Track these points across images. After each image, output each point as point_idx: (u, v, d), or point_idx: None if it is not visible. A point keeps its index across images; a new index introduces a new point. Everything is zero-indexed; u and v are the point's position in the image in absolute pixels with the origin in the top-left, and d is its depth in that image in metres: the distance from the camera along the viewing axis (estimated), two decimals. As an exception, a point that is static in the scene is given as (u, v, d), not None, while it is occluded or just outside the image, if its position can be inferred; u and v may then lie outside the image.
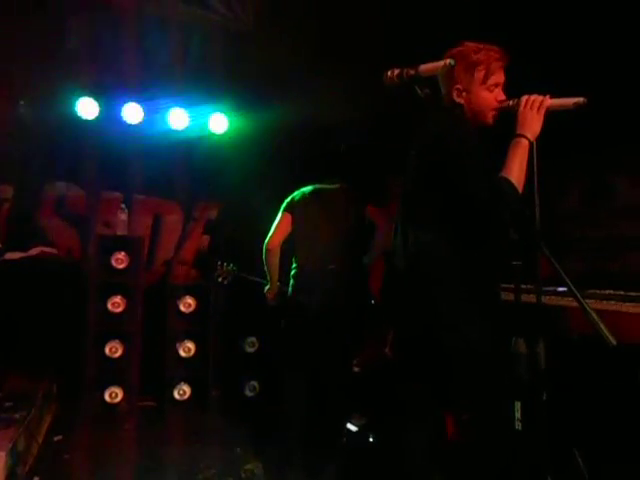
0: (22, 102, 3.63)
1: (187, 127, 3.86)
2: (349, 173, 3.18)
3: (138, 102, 3.67)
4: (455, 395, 1.72)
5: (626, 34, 2.55)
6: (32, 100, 3.62)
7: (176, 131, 3.82)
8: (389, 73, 1.62)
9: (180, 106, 3.81)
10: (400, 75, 1.60)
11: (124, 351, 3.37)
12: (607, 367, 1.74)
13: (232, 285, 3.37)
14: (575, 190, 4.06)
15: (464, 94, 1.72)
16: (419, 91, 1.60)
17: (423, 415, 1.81)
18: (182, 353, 3.59)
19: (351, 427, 3.13)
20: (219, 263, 3.22)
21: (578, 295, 1.24)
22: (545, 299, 1.66)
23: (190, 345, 3.60)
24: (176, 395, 3.55)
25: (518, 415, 1.43)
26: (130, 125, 3.68)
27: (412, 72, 1.58)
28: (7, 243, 3.49)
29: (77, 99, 3.55)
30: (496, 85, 1.72)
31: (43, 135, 3.68)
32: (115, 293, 3.39)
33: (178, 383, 3.56)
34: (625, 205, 3.62)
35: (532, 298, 1.59)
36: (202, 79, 3.66)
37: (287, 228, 2.72)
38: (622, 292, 1.84)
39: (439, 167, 1.64)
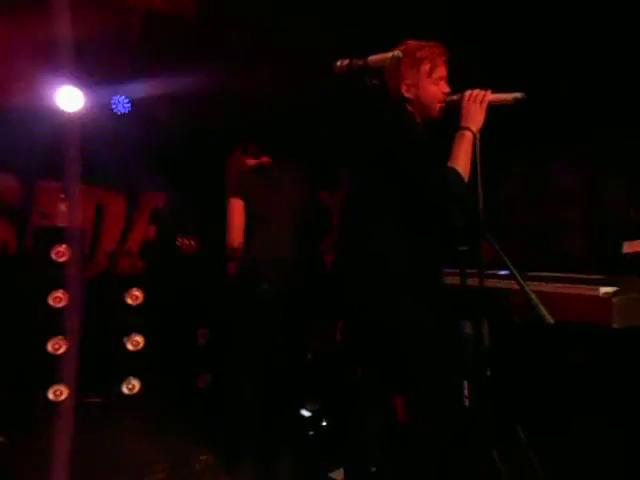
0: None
1: (129, 112, 3.74)
2: (302, 155, 3.19)
3: (77, 87, 3.51)
4: (404, 376, 1.79)
5: (562, 30, 2.68)
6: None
7: (119, 117, 3.69)
8: (338, 63, 1.65)
9: (122, 92, 3.68)
10: (349, 65, 1.63)
11: (68, 347, 3.25)
12: (545, 346, 1.86)
13: (180, 275, 3.31)
14: (515, 178, 4.26)
15: (412, 89, 1.80)
16: (368, 81, 1.64)
17: (375, 398, 1.87)
18: (130, 347, 3.51)
19: (305, 413, 3.18)
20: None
21: (519, 277, 1.32)
22: (488, 282, 1.75)
23: (139, 338, 3.52)
24: (125, 390, 3.47)
25: (466, 393, 1.50)
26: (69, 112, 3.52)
27: (361, 63, 1.61)
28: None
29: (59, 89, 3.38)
30: (441, 79, 1.82)
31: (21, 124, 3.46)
32: (56, 288, 3.26)
33: (127, 377, 3.48)
34: (560, 190, 3.83)
35: (477, 282, 1.67)
36: (145, 66, 3.55)
37: (243, 216, 2.58)
38: (558, 274, 1.96)
39: (388, 156, 1.69)
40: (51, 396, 3.17)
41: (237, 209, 2.57)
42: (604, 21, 2.56)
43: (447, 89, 1.83)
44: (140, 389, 3.52)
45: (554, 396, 1.96)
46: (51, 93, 3.49)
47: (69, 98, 3.50)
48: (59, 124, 3.48)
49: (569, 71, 2.84)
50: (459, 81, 1.89)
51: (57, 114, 3.49)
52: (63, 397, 3.21)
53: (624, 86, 2.61)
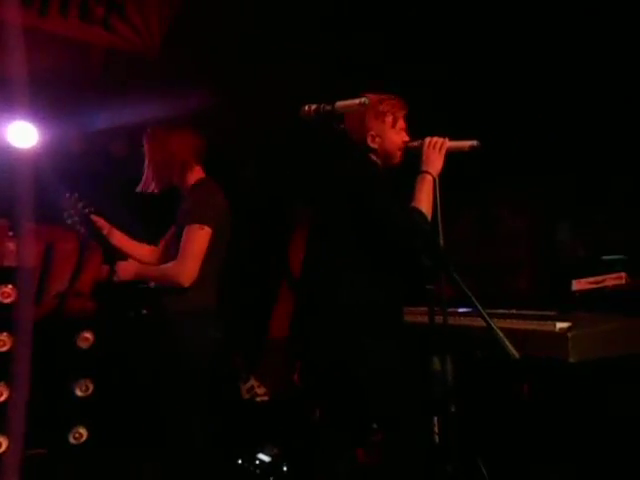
0: None
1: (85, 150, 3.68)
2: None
3: (31, 123, 3.43)
4: (368, 416, 1.79)
5: (516, 77, 2.90)
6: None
7: (74, 155, 3.62)
8: (306, 107, 1.72)
9: (79, 128, 3.63)
10: (317, 110, 1.69)
11: (10, 394, 3.04)
12: (510, 379, 1.92)
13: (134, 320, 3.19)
14: (465, 220, 4.45)
15: (377, 139, 1.90)
16: (335, 126, 1.71)
17: (337, 441, 1.85)
18: (79, 392, 3.32)
19: (263, 457, 3.09)
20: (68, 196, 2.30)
21: (485, 314, 1.37)
22: (451, 319, 1.81)
23: (88, 384, 3.35)
24: (71, 439, 3.26)
25: (436, 429, 1.52)
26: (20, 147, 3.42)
27: (328, 108, 1.68)
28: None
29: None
30: (402, 129, 1.95)
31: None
32: (1, 330, 3.08)
33: (74, 426, 3.28)
34: (505, 232, 4.01)
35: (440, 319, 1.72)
36: (104, 102, 3.53)
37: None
38: (514, 311, 2.05)
39: (352, 198, 1.76)
40: (-11, 448, 2.94)
41: (207, 240, 2.10)
42: (559, 67, 2.78)
43: (407, 138, 1.96)
44: (87, 438, 3.33)
45: (514, 429, 2.01)
46: (2, 129, 3.39)
47: (22, 134, 3.41)
48: (10, 161, 3.37)
49: (522, 119, 3.06)
50: (418, 127, 2.01)
51: (8, 150, 3.39)
52: (2, 449, 2.98)
53: (574, 134, 2.83)
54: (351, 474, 1.86)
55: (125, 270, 2.18)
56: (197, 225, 2.06)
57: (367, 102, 1.65)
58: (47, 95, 3.37)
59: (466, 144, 1.87)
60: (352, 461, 1.91)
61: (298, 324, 1.98)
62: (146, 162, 2.26)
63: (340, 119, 1.74)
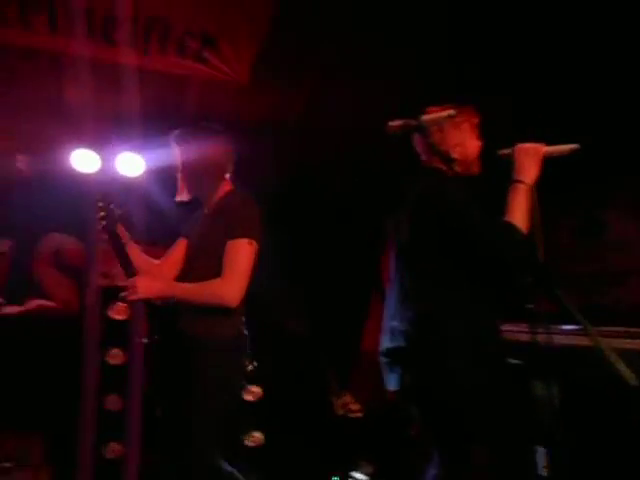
0: (20, 156, 3.68)
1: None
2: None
3: (137, 153, 3.73)
4: (470, 439, 1.71)
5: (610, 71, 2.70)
6: (30, 153, 3.67)
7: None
8: (392, 124, 1.70)
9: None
10: (403, 125, 1.67)
11: (124, 405, 3.29)
12: (625, 407, 1.74)
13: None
14: (565, 226, 4.16)
15: (458, 148, 1.84)
16: (422, 140, 1.68)
17: (452, 466, 1.78)
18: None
19: (359, 476, 3.06)
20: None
21: (593, 333, 1.26)
22: (556, 339, 1.68)
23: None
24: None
25: (543, 461, 1.41)
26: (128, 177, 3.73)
27: (414, 123, 1.66)
28: (5, 297, 3.46)
29: (75, 152, 3.60)
30: (477, 137, 1.89)
31: (40, 188, 3.72)
32: (114, 346, 3.35)
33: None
34: (614, 239, 3.70)
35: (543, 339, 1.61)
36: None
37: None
38: (622, 328, 1.87)
39: (437, 221, 1.70)
40: (107, 453, 3.19)
41: (255, 256, 1.91)
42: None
43: (481, 145, 1.89)
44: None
45: (630, 464, 1.82)
46: (112, 159, 3.72)
47: (129, 164, 3.72)
48: (120, 189, 3.68)
49: (620, 114, 2.83)
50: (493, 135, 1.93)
51: (119, 179, 3.71)
52: (118, 454, 3.22)
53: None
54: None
55: (148, 287, 1.84)
56: (246, 240, 1.84)
57: (454, 114, 1.60)
58: (151, 127, 3.66)
59: (566, 148, 1.74)
60: None
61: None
62: (179, 168, 2.05)
63: (426, 133, 1.71)
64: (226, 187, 2.04)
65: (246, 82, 3.46)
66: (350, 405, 4.00)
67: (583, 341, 1.62)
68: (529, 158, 1.75)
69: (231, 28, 3.25)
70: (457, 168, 1.85)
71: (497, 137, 1.89)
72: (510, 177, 1.80)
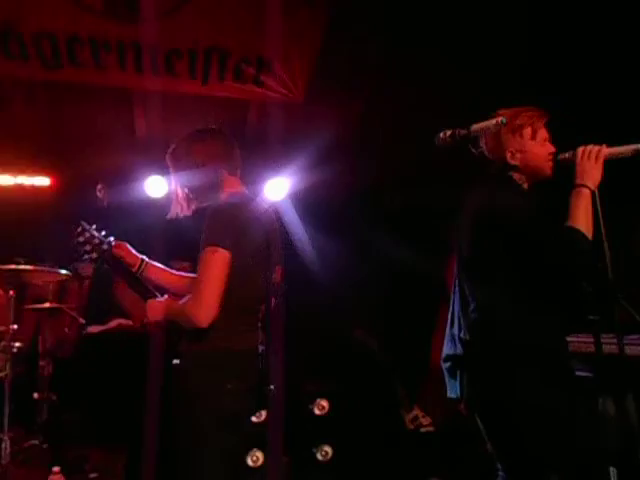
0: (99, 185, 3.96)
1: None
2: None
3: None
4: (534, 459, 1.63)
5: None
6: (108, 182, 3.96)
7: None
8: (441, 134, 1.68)
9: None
10: (453, 135, 1.65)
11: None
12: None
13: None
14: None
15: (518, 155, 1.76)
16: (473, 150, 1.65)
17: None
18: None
19: (431, 492, 2.99)
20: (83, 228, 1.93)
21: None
22: (629, 350, 1.58)
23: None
24: (250, 462, 3.52)
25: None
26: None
27: (464, 132, 1.63)
28: (88, 317, 3.72)
29: (147, 179, 3.84)
30: (545, 140, 1.78)
31: (117, 215, 3.99)
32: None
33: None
34: None
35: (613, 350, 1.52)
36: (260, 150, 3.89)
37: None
38: None
39: (498, 231, 1.65)
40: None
41: (225, 266, 1.66)
42: None
43: (553, 149, 1.79)
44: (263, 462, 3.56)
45: None
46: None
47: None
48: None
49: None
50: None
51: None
52: (259, 463, 3.27)
53: None
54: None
55: (154, 309, 1.79)
56: (209, 248, 1.65)
57: (504, 121, 1.56)
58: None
59: (629, 149, 1.64)
60: None
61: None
62: (172, 187, 1.90)
63: (476, 143, 1.68)
64: (231, 188, 1.82)
65: (302, 100, 3.56)
66: (421, 419, 3.92)
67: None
68: (591, 161, 1.68)
69: (284, 50, 3.36)
70: (519, 175, 1.78)
71: (560, 139, 1.82)
72: (572, 182, 1.73)
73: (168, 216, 1.89)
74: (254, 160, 4.02)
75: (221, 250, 1.63)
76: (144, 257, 2.00)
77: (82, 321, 3.62)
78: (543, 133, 1.78)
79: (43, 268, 2.85)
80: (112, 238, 1.93)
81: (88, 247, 1.89)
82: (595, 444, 1.40)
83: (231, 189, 1.81)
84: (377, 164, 3.85)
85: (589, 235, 1.58)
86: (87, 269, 3.95)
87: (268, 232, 1.80)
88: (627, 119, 2.56)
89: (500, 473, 1.72)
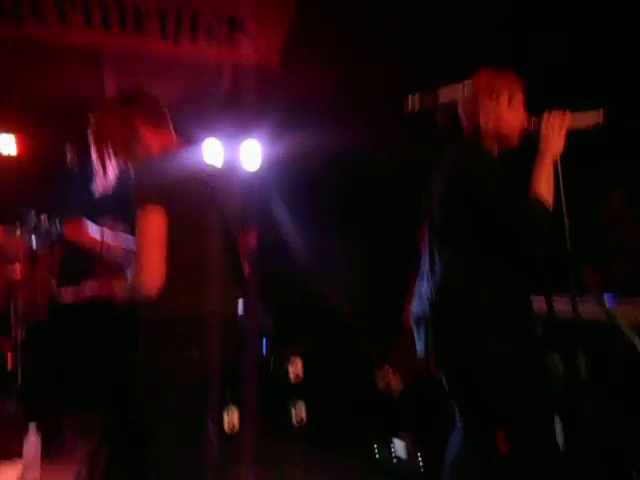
0: (67, 146, 3.87)
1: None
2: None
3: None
4: (497, 411, 1.73)
5: None
6: (76, 145, 3.86)
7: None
8: (410, 97, 1.69)
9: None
10: (421, 99, 1.66)
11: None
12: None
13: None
14: (618, 194, 3.98)
15: (491, 119, 1.76)
16: (440, 116, 1.67)
17: (474, 431, 1.82)
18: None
19: (399, 445, 3.14)
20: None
21: (607, 307, 1.26)
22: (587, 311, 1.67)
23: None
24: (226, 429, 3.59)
25: (558, 428, 1.43)
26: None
27: (430, 97, 1.64)
28: (61, 281, 3.68)
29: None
30: (519, 107, 1.79)
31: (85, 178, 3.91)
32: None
33: (223, 408, 3.63)
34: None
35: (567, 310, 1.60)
36: (233, 112, 3.84)
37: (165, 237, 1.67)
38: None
39: (466, 193, 1.69)
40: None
41: (159, 224, 1.54)
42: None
43: (526, 118, 1.80)
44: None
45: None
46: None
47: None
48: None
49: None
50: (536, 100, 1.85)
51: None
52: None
53: None
54: (489, 468, 1.82)
55: (116, 290, 1.72)
56: (138, 212, 1.52)
57: (469, 85, 1.57)
58: (186, 116, 3.77)
59: (591, 121, 1.68)
60: (492, 454, 1.85)
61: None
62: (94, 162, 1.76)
63: (445, 108, 1.70)
64: (160, 148, 1.70)
65: (277, 64, 3.49)
66: (391, 378, 4.06)
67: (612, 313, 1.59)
68: (555, 132, 1.71)
69: (258, 11, 3.28)
70: (490, 140, 1.80)
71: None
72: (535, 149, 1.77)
73: (95, 194, 1.76)
74: (228, 124, 3.98)
75: (150, 210, 1.51)
76: (103, 233, 1.90)
77: (55, 285, 3.60)
78: (519, 100, 1.79)
79: (11, 229, 2.81)
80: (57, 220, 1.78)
81: (42, 232, 1.74)
82: (544, 398, 1.50)
83: (160, 145, 1.70)
84: (356, 130, 3.83)
85: (549, 203, 1.64)
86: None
87: (213, 185, 1.68)
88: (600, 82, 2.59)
89: (458, 424, 1.82)
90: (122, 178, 1.76)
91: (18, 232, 1.74)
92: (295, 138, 3.83)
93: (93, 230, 1.89)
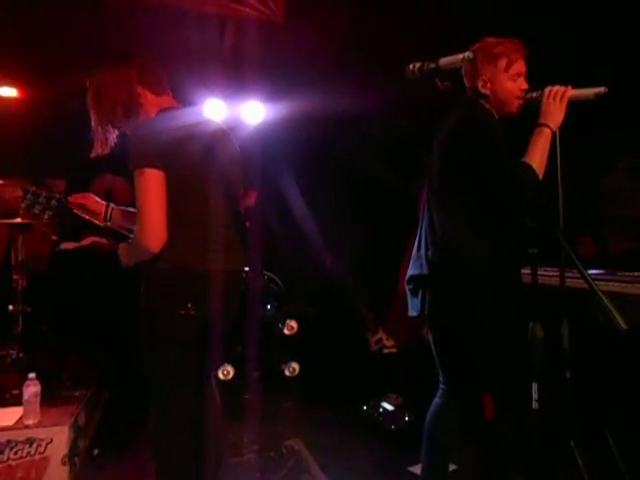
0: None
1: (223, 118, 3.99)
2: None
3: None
4: (482, 374, 1.79)
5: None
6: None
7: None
8: (410, 66, 1.68)
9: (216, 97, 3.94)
10: (421, 68, 1.65)
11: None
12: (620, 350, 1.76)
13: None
14: (620, 166, 3.96)
15: (489, 84, 1.80)
16: (439, 83, 1.66)
17: (456, 393, 1.88)
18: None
19: (387, 406, 3.24)
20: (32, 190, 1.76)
21: (589, 278, 1.29)
22: (574, 282, 1.70)
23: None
24: (220, 375, 3.72)
25: (535, 396, 1.49)
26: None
27: (432, 65, 1.63)
28: (61, 234, 3.73)
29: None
30: (519, 75, 1.80)
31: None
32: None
33: (222, 364, 3.73)
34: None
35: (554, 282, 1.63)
36: (235, 70, 3.78)
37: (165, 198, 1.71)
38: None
39: (463, 155, 1.70)
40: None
41: (158, 184, 1.58)
42: None
43: (525, 85, 1.81)
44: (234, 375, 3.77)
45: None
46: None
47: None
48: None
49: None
50: (540, 76, 1.85)
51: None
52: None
53: None
54: (468, 427, 1.89)
55: (121, 256, 1.72)
56: (136, 171, 1.57)
57: (471, 56, 1.57)
58: (184, 68, 3.71)
59: (591, 92, 1.68)
60: (474, 414, 1.92)
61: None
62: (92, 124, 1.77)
63: (446, 75, 1.69)
64: (158, 107, 1.73)
65: (281, 21, 3.42)
66: (384, 341, 4.16)
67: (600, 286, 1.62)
68: (556, 102, 1.72)
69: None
70: (489, 105, 1.82)
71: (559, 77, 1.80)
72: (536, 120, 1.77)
73: (91, 155, 1.80)
74: (230, 82, 3.93)
75: (148, 170, 1.56)
76: (110, 203, 1.94)
77: (55, 238, 3.65)
78: (519, 67, 1.80)
79: (12, 182, 2.83)
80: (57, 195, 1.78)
81: (37, 209, 1.73)
82: (525, 365, 1.55)
83: (158, 107, 1.73)
84: (359, 90, 3.78)
85: (540, 173, 1.66)
86: (60, 185, 3.93)
87: (211, 144, 1.70)
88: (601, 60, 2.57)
89: (441, 386, 1.89)
90: (122, 137, 1.80)
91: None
92: (297, 97, 3.80)
93: (98, 205, 1.94)
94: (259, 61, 3.59)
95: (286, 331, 4.00)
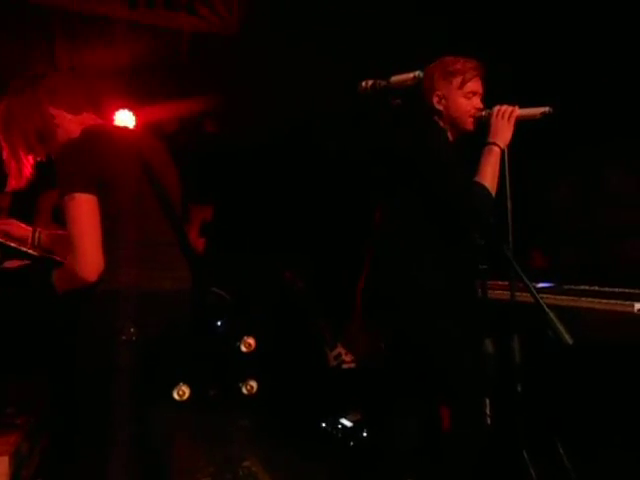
0: None
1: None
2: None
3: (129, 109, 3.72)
4: (437, 386, 1.80)
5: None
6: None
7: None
8: (363, 83, 1.70)
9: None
10: (373, 86, 1.67)
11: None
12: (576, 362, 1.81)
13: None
14: (567, 183, 4.11)
15: (443, 101, 1.83)
16: (391, 101, 1.68)
17: (412, 406, 1.88)
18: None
19: (345, 422, 3.21)
20: None
21: (535, 293, 1.31)
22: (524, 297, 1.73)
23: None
24: (175, 396, 3.62)
25: (487, 411, 1.50)
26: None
27: (384, 83, 1.65)
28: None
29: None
30: (473, 93, 1.84)
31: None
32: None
33: (177, 384, 3.63)
34: (616, 194, 3.66)
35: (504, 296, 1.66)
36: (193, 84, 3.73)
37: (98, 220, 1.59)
38: (596, 287, 1.91)
39: (413, 174, 1.72)
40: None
41: (89, 209, 1.48)
42: None
43: (479, 104, 1.84)
44: (189, 396, 3.67)
45: (589, 412, 1.90)
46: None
47: (122, 119, 3.72)
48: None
49: (610, 68, 2.77)
50: (491, 97, 1.89)
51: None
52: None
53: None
54: (426, 441, 1.89)
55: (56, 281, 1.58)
56: (65, 197, 1.46)
57: (421, 75, 1.59)
58: (143, 81, 3.64)
59: (537, 111, 1.74)
60: (432, 427, 1.92)
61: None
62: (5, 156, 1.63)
63: (397, 94, 1.71)
64: (80, 126, 1.60)
65: (234, 32, 3.42)
66: (343, 357, 4.13)
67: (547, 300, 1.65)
68: (504, 121, 1.76)
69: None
70: (442, 122, 1.85)
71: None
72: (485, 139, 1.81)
73: (7, 190, 1.67)
74: (190, 93, 3.87)
75: (78, 194, 1.44)
76: (36, 228, 1.82)
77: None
78: (473, 86, 1.83)
79: None
80: None
81: None
82: (476, 380, 1.57)
83: (80, 126, 1.60)
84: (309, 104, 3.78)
85: (493, 192, 1.69)
86: (4, 201, 3.75)
87: (144, 158, 1.59)
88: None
89: (400, 400, 1.89)
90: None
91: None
92: (251, 106, 3.78)
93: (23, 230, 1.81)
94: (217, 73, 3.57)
95: (244, 348, 3.93)
